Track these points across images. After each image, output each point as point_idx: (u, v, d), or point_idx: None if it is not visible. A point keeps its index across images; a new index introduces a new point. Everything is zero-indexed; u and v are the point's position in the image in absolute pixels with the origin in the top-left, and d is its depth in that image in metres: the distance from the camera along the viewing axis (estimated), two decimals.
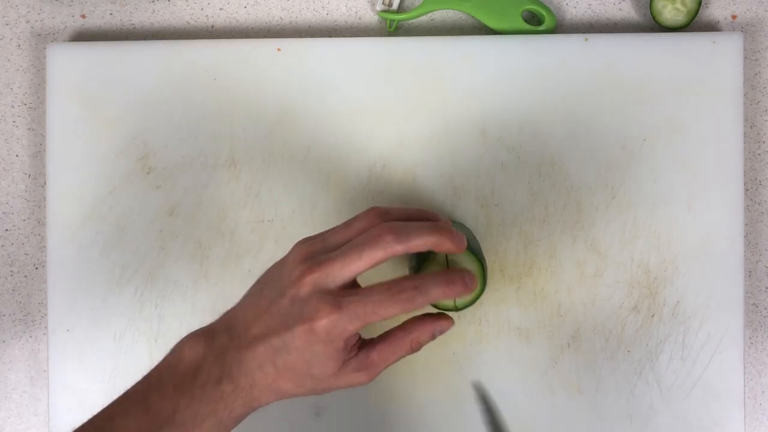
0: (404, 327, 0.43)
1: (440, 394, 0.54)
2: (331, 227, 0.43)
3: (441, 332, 0.44)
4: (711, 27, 0.57)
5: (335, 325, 0.39)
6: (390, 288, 0.40)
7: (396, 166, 0.55)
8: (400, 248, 0.40)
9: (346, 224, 0.43)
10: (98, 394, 0.55)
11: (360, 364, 0.42)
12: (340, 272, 0.40)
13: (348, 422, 0.54)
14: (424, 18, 0.58)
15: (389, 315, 0.39)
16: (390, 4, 0.56)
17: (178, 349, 0.41)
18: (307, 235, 0.44)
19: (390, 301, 0.39)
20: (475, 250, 0.45)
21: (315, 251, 0.41)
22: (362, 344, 0.43)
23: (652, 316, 0.54)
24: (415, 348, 0.43)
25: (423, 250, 0.41)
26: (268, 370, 0.40)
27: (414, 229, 0.41)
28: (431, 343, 0.53)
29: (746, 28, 0.57)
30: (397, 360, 0.43)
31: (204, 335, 0.42)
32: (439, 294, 0.40)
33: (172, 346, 0.42)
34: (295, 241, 0.43)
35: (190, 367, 0.40)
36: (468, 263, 0.44)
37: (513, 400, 0.53)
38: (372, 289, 0.40)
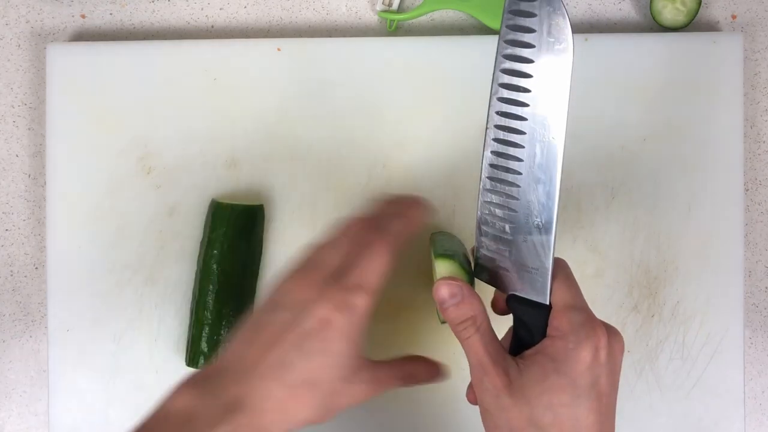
0: (409, 357, 0.44)
1: (440, 394, 0.54)
2: (314, 250, 0.42)
3: (435, 379, 0.44)
4: (711, 27, 0.57)
5: (350, 305, 0.38)
6: (362, 245, 0.40)
7: (396, 166, 0.55)
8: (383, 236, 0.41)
9: (335, 241, 0.42)
10: (98, 394, 0.55)
11: (370, 376, 0.41)
12: (331, 262, 0.40)
13: (348, 422, 0.54)
14: (424, 18, 0.58)
15: (382, 266, 0.40)
16: (390, 4, 0.56)
17: (169, 399, 0.38)
18: (305, 239, 0.44)
19: (371, 254, 0.40)
20: (456, 256, 0.44)
21: (323, 277, 0.40)
22: (371, 363, 0.42)
23: (652, 316, 0.54)
24: (409, 382, 0.43)
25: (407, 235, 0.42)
26: (277, 394, 0.37)
27: (390, 222, 0.42)
28: (433, 345, 0.53)
29: (746, 28, 0.57)
30: (393, 387, 0.42)
31: (196, 381, 0.38)
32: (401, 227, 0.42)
33: (165, 395, 0.38)
34: (295, 241, 0.43)
35: (181, 418, 0.37)
36: (446, 270, 0.43)
37: None
38: (353, 259, 0.40)
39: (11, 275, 0.59)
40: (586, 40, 0.54)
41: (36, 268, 0.59)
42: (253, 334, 0.39)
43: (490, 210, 0.41)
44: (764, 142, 0.57)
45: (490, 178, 0.41)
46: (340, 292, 0.38)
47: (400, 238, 0.41)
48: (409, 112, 0.55)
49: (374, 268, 0.39)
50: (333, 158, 0.55)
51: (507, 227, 0.41)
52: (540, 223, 0.39)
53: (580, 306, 0.40)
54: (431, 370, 0.44)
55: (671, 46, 0.54)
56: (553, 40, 0.38)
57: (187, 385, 0.38)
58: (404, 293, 0.53)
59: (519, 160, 0.40)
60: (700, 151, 0.54)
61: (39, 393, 0.58)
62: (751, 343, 0.57)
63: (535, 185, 0.39)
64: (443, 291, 0.40)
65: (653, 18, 0.56)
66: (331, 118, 0.55)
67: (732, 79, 0.54)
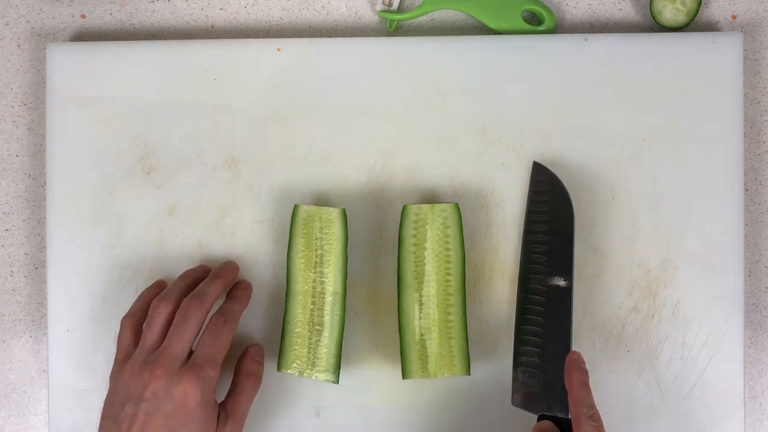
0: (236, 371, 0.51)
1: (439, 394, 0.54)
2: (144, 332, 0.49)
3: (260, 355, 0.52)
4: (711, 27, 0.57)
5: (205, 378, 0.45)
6: (209, 329, 0.48)
7: (396, 166, 0.55)
8: (207, 306, 0.49)
9: (147, 327, 0.48)
10: (98, 394, 0.55)
11: (227, 419, 0.48)
12: (181, 349, 0.46)
13: (348, 422, 0.54)
14: (424, 18, 0.58)
15: (227, 342, 0.48)
16: (390, 4, 0.56)
17: None
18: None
19: (218, 334, 0.48)
20: None
21: (145, 358, 0.47)
22: (220, 405, 0.49)
23: (652, 316, 0.54)
24: (255, 381, 0.51)
25: (221, 293, 0.51)
26: None
27: (206, 286, 0.50)
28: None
29: (746, 28, 0.57)
30: (252, 399, 0.50)
31: None
32: (220, 289, 0.51)
33: None
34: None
35: None
36: None
37: None
38: (201, 340, 0.48)
39: (11, 275, 0.59)
40: (586, 40, 0.54)
41: (36, 268, 0.59)
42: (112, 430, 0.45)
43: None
44: (764, 142, 0.57)
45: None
46: (191, 370, 0.45)
47: (215, 300, 0.49)
48: (409, 112, 0.55)
49: (188, 338, 0.47)
50: (333, 158, 0.55)
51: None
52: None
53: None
54: (251, 357, 0.51)
55: (671, 46, 0.54)
56: None
57: None
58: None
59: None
60: (700, 150, 0.54)
61: (39, 393, 0.58)
62: (751, 343, 0.57)
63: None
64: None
65: (653, 18, 0.56)
66: (331, 118, 0.55)
67: (732, 79, 0.54)
